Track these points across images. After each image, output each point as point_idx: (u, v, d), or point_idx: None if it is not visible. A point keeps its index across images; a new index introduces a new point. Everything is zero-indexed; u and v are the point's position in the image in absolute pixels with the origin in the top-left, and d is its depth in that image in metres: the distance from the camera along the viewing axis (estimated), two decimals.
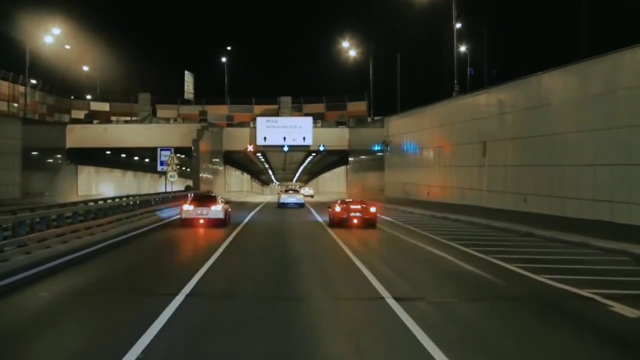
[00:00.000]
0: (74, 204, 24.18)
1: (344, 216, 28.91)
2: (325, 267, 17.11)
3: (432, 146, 41.54)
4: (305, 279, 15.33)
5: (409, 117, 48.02)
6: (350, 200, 32.76)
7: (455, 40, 40.42)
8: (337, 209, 29.46)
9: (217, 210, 27.85)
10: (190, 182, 59.86)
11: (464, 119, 36.46)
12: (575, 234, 22.98)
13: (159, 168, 43.47)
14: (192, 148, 55.11)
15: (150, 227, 27.78)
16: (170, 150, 42.23)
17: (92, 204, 25.57)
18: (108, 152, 68.18)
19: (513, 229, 26.88)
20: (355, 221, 28.63)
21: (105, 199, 28.51)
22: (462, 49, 67.69)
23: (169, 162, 39.86)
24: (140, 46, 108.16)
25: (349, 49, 64.40)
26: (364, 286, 13.68)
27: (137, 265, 17.24)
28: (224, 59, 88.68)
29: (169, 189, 42.74)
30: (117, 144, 63.45)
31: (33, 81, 69.61)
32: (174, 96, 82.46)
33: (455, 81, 39.64)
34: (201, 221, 27.26)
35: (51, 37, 56.93)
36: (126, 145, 64.50)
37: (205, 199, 29.91)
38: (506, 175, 30.69)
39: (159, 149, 43.69)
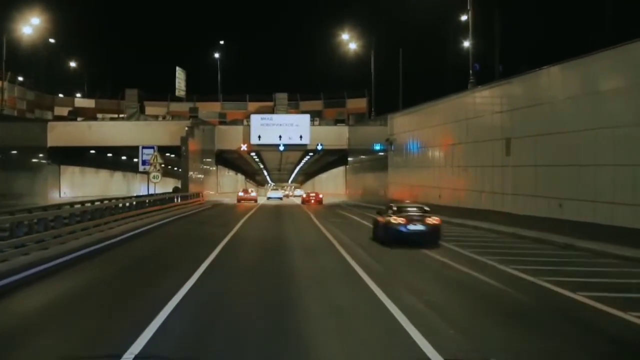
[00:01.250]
0: (29, 210, 20.07)
1: (307, 199, 62.56)
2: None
3: (444, 144, 37.62)
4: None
5: (417, 113, 44.10)
6: (310, 192, 70.71)
7: (470, 27, 36.46)
8: (304, 195, 66.99)
9: (253, 194, 65.00)
10: (179, 184, 55.86)
11: (482, 113, 32.56)
12: (634, 248, 19.04)
13: (141, 168, 39.27)
14: (181, 147, 51.10)
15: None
16: (153, 148, 38.05)
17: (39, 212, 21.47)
18: (92, 151, 64.02)
19: (549, 240, 22.99)
20: (312, 201, 60.53)
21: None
22: (466, 44, 64.80)
23: (151, 161, 35.79)
24: (131, 42, 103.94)
25: (349, 41, 60.43)
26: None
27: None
28: (216, 55, 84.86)
29: (152, 191, 38.54)
30: (102, 142, 59.36)
31: (20, 78, 65.67)
32: (164, 93, 78.25)
33: (471, 71, 35.71)
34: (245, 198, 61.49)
35: (31, 28, 52.70)
36: (112, 144, 60.43)
37: (247, 190, 68.91)
38: (536, 176, 26.74)
39: (140, 147, 39.44)
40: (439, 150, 38.77)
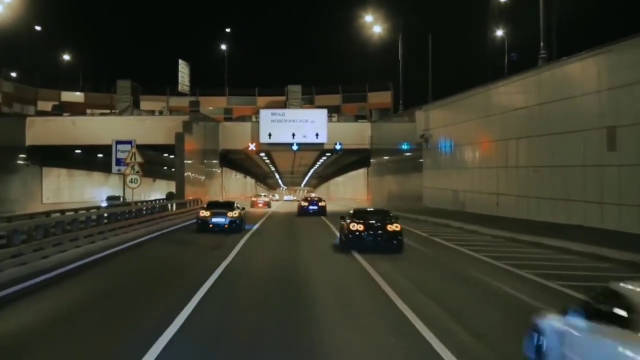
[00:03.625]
0: None
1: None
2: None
3: (504, 139, 29.44)
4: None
5: (460, 103, 36.02)
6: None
7: None
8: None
9: (277, 197, 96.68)
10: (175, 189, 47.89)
11: (563, 95, 24.40)
12: None
13: (114, 169, 31.04)
14: (176, 144, 43.30)
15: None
16: (130, 143, 30.02)
17: None
18: (78, 151, 56.14)
19: None
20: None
21: None
22: (499, 32, 58.07)
23: (128, 160, 27.89)
24: (128, 30, 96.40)
25: (372, 24, 52.18)
26: None
27: None
28: (223, 47, 77.10)
29: (138, 198, 30.51)
30: (89, 140, 51.30)
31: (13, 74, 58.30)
32: (164, 87, 70.43)
33: (542, 44, 27.59)
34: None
35: (6, 8, 45.00)
36: (99, 142, 51.89)
37: (273, 195, 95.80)
38: None
39: (114, 142, 31.33)
40: (494, 146, 30.62)
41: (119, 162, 29.84)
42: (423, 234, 28.34)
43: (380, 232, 20.83)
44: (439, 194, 38.73)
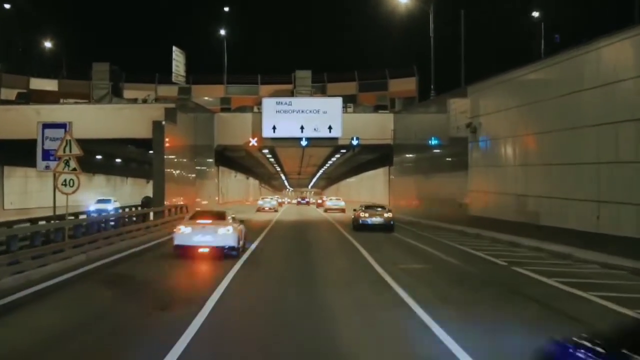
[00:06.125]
0: None
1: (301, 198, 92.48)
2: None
3: (610, 122, 20.32)
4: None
5: (527, 78, 26.98)
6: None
7: None
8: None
9: (287, 200, 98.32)
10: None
11: None
12: None
13: (40, 165, 20.87)
14: (154, 135, 34.41)
15: None
16: (64, 127, 20.78)
17: None
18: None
19: None
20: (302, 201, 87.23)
21: None
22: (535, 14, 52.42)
23: (60, 152, 18.90)
24: (114, 12, 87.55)
25: None
26: None
27: None
28: (222, 32, 68.26)
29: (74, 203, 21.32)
30: None
31: None
32: (153, 74, 61.64)
33: None
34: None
35: None
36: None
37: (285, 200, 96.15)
38: None
39: (39, 126, 21.57)
40: (592, 133, 21.42)
41: (47, 155, 20.78)
42: (497, 261, 19.31)
43: None
44: (493, 199, 29.73)
